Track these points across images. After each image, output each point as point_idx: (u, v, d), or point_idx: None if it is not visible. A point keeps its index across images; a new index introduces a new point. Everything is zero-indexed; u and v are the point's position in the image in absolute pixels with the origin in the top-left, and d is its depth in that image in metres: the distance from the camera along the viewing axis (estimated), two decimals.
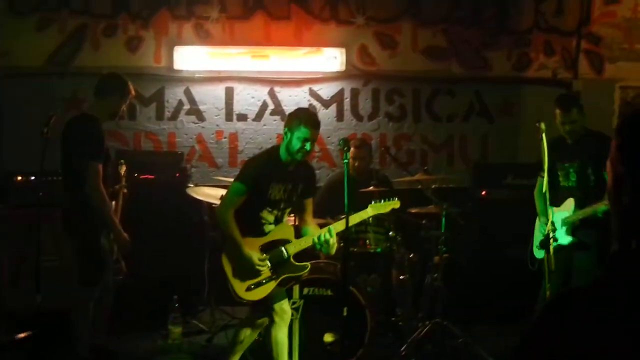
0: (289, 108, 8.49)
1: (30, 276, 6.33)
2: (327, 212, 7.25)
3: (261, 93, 9.31)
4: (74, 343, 6.23)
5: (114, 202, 6.39)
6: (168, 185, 8.19)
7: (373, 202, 5.86)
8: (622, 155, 1.79)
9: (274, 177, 5.57)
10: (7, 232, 7.41)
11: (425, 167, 8.07)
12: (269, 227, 5.69)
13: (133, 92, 6.48)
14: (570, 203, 6.35)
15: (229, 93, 9.26)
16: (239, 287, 5.49)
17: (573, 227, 6.32)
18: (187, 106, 9.20)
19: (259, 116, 9.30)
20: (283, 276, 5.60)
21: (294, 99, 9.25)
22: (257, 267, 5.47)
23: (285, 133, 5.59)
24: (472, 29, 9.48)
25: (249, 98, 9.28)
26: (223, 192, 6.43)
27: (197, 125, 9.23)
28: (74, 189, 6.02)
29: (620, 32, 9.56)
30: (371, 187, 7.30)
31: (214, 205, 6.92)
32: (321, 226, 5.82)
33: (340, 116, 9.43)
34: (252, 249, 5.50)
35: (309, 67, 9.25)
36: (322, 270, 6.50)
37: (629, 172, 1.75)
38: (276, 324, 5.74)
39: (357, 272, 7.23)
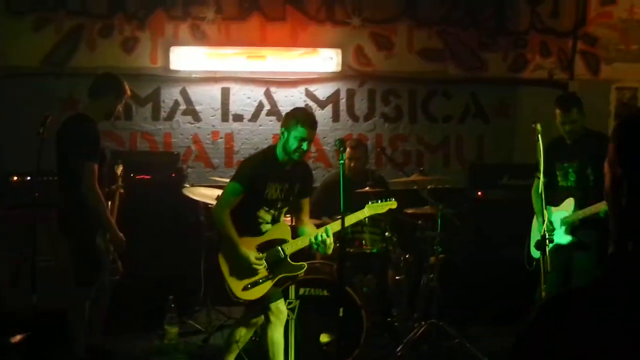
0: (285, 108, 8.50)
1: (28, 276, 6.32)
2: (323, 212, 7.25)
3: (257, 93, 9.31)
4: (70, 343, 6.22)
5: (110, 202, 6.38)
6: (164, 186, 8.18)
7: (370, 202, 5.87)
8: (619, 157, 1.79)
9: (271, 176, 5.57)
10: (3, 232, 7.40)
11: (421, 168, 8.08)
12: (266, 227, 5.69)
13: (128, 92, 6.47)
14: (570, 203, 6.36)
15: (225, 93, 9.26)
16: (236, 287, 5.48)
17: (572, 227, 6.32)
18: (183, 106, 9.20)
19: (255, 117, 9.30)
20: (280, 276, 5.59)
21: (290, 99, 9.25)
22: (254, 266, 5.46)
23: (282, 132, 5.59)
24: (468, 30, 9.49)
25: (245, 98, 9.28)
26: (219, 192, 6.43)
27: (193, 125, 9.23)
28: (69, 189, 6.02)
29: (616, 33, 9.58)
30: (367, 188, 7.30)
31: (210, 206, 6.92)
32: (317, 227, 5.82)
33: (336, 117, 9.44)
34: (249, 249, 5.50)
35: (305, 68, 9.26)
36: (318, 271, 6.51)
37: (626, 174, 1.76)
38: (272, 324, 5.73)
39: (353, 272, 7.24)
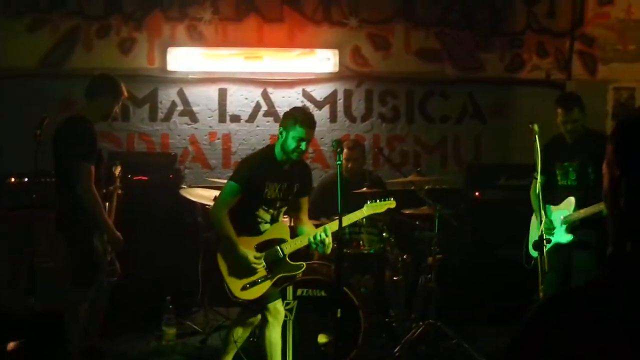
0: (282, 109, 8.49)
1: (26, 277, 6.31)
2: (321, 213, 7.25)
3: (254, 94, 9.31)
4: (65, 344, 6.21)
5: (107, 203, 6.37)
6: (161, 187, 8.18)
7: (369, 202, 5.86)
8: (617, 158, 1.80)
9: (270, 176, 5.56)
10: (1, 233, 7.39)
11: (419, 168, 8.06)
12: (264, 227, 5.69)
13: (125, 94, 6.45)
14: (570, 202, 6.36)
15: (222, 94, 9.26)
16: (235, 287, 5.47)
17: (572, 226, 6.32)
18: (180, 107, 9.20)
19: (252, 117, 9.30)
20: (279, 275, 5.58)
21: (287, 100, 9.24)
22: (253, 265, 5.46)
23: (281, 132, 5.58)
24: (465, 30, 9.50)
25: (242, 99, 9.28)
26: (216, 193, 6.43)
27: (190, 126, 9.23)
28: (66, 191, 6.00)
29: (613, 33, 9.58)
30: (364, 188, 7.30)
31: (207, 207, 6.92)
32: (315, 227, 5.81)
33: (333, 117, 9.44)
34: (248, 248, 5.49)
35: (302, 69, 9.26)
36: (316, 272, 6.51)
37: (624, 175, 1.76)
38: (270, 324, 5.72)
39: (351, 273, 7.24)
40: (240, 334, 5.82)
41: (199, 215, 7.85)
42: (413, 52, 9.46)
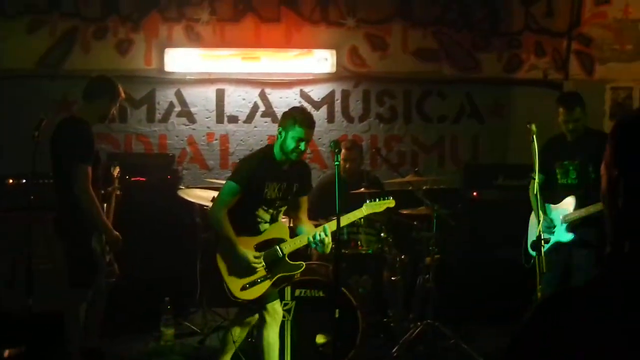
0: (280, 110, 8.48)
1: (24, 278, 6.31)
2: (319, 213, 7.25)
3: (252, 95, 9.31)
4: (65, 345, 6.21)
5: (106, 204, 6.37)
6: (159, 188, 8.18)
7: (368, 202, 5.86)
8: (616, 158, 1.80)
9: (269, 176, 5.56)
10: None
11: (416, 169, 8.07)
12: (264, 226, 5.69)
13: (123, 95, 6.45)
14: (571, 200, 6.36)
15: (220, 95, 9.26)
16: (235, 287, 5.47)
17: (573, 225, 6.33)
18: (178, 108, 9.20)
19: (249, 118, 9.30)
20: (278, 275, 5.58)
21: (284, 100, 9.24)
22: (253, 265, 5.45)
23: (280, 132, 5.57)
24: (463, 30, 9.50)
25: (239, 100, 9.29)
26: (214, 194, 6.43)
27: (188, 127, 9.23)
28: (64, 192, 6.00)
29: (610, 33, 9.58)
30: (362, 189, 7.30)
31: (205, 207, 6.92)
32: (314, 227, 5.81)
33: (331, 118, 9.45)
34: (247, 248, 5.49)
35: (300, 69, 9.27)
36: (314, 272, 6.52)
37: (622, 175, 1.76)
38: (267, 324, 5.72)
39: (349, 273, 7.24)
40: (238, 333, 5.83)
41: (197, 216, 7.85)
42: (410, 52, 9.46)
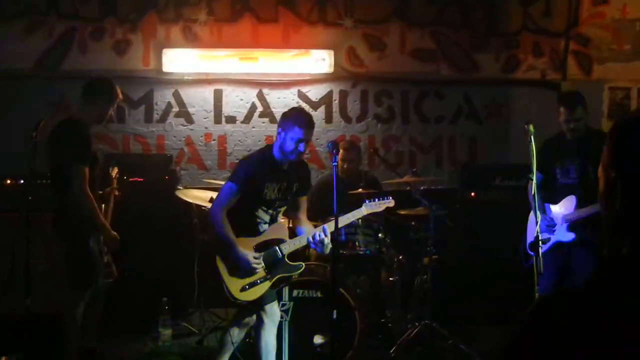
0: (277, 110, 8.52)
1: (22, 279, 6.31)
2: (317, 213, 7.25)
3: (250, 95, 9.32)
4: (63, 346, 6.20)
5: (104, 205, 6.37)
6: (157, 188, 8.17)
7: (367, 202, 5.86)
8: (613, 159, 1.80)
9: (269, 176, 5.55)
10: None
11: (414, 169, 8.09)
12: (264, 227, 5.69)
13: (120, 96, 6.45)
14: (571, 200, 6.35)
15: (218, 95, 9.26)
16: (234, 288, 5.47)
17: (574, 225, 6.32)
18: (175, 109, 9.20)
19: (247, 118, 9.30)
20: (278, 276, 5.58)
21: (282, 101, 9.24)
22: (252, 266, 5.45)
23: (279, 133, 5.57)
24: (461, 30, 9.50)
25: (237, 100, 9.29)
26: (212, 194, 6.43)
27: (186, 127, 9.23)
28: (61, 193, 6.01)
29: (608, 33, 9.58)
30: (360, 189, 7.31)
31: (203, 208, 6.92)
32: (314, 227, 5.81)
33: (329, 118, 9.45)
34: (247, 249, 5.48)
35: (298, 69, 9.27)
36: (312, 272, 6.51)
37: (620, 176, 1.76)
38: (265, 325, 5.71)
39: (347, 273, 7.23)
40: (236, 334, 5.82)
41: (195, 217, 7.84)
42: (408, 52, 9.46)
